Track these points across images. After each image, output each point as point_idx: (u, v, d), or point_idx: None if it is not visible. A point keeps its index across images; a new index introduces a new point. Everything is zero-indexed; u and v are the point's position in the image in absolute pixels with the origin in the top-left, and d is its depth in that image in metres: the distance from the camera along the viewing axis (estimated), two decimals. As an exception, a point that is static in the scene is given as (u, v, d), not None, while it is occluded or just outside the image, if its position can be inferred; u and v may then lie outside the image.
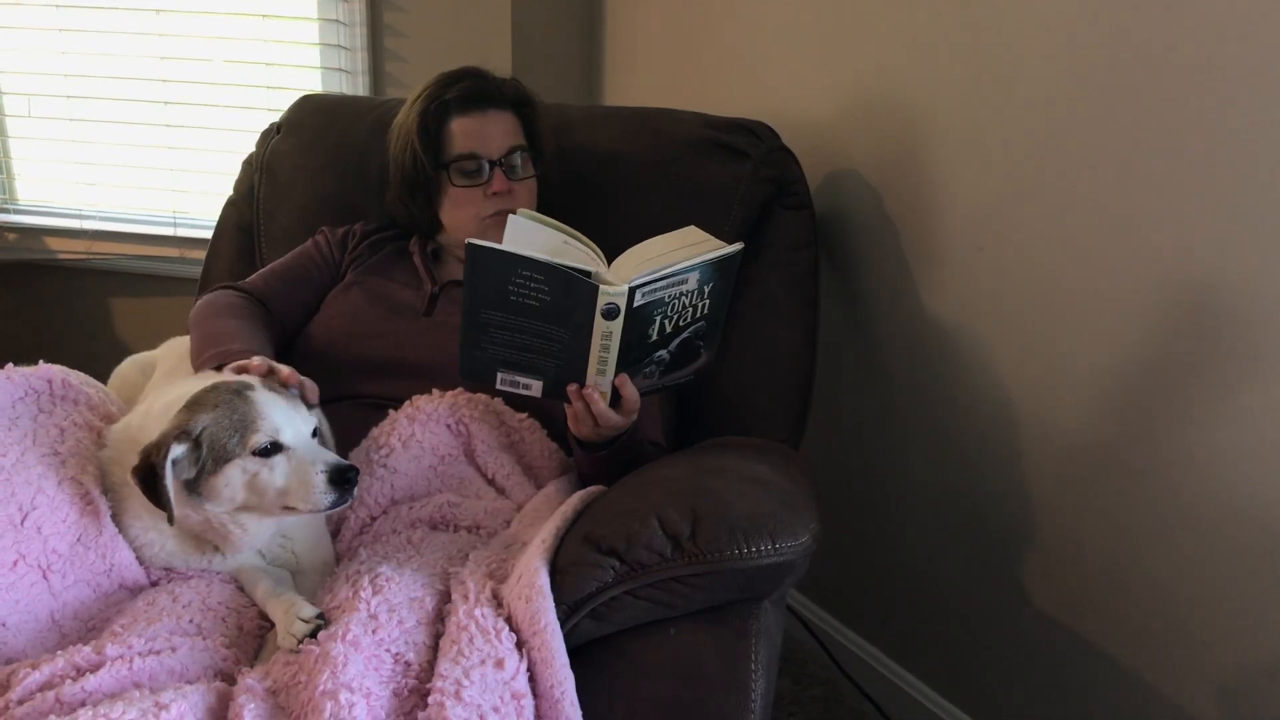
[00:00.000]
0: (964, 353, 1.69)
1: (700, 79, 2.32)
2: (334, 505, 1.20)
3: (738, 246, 1.33)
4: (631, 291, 1.25)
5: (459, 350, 1.34)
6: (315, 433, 1.24)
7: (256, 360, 1.33)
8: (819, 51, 1.94)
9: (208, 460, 1.16)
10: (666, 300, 1.30)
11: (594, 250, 1.34)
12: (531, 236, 1.31)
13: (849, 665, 2.06)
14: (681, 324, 1.34)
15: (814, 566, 1.22)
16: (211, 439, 1.16)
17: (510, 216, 1.31)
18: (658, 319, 1.31)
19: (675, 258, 1.29)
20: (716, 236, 1.69)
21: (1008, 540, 1.67)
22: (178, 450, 1.14)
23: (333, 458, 1.21)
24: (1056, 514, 1.58)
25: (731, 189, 1.79)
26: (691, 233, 1.37)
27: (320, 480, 1.18)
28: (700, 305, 1.34)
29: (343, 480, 1.19)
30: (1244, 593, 1.32)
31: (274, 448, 1.18)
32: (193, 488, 1.17)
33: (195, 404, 1.19)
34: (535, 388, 1.36)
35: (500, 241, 1.63)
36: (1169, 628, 1.42)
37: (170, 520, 1.15)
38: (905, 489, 1.89)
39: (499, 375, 1.36)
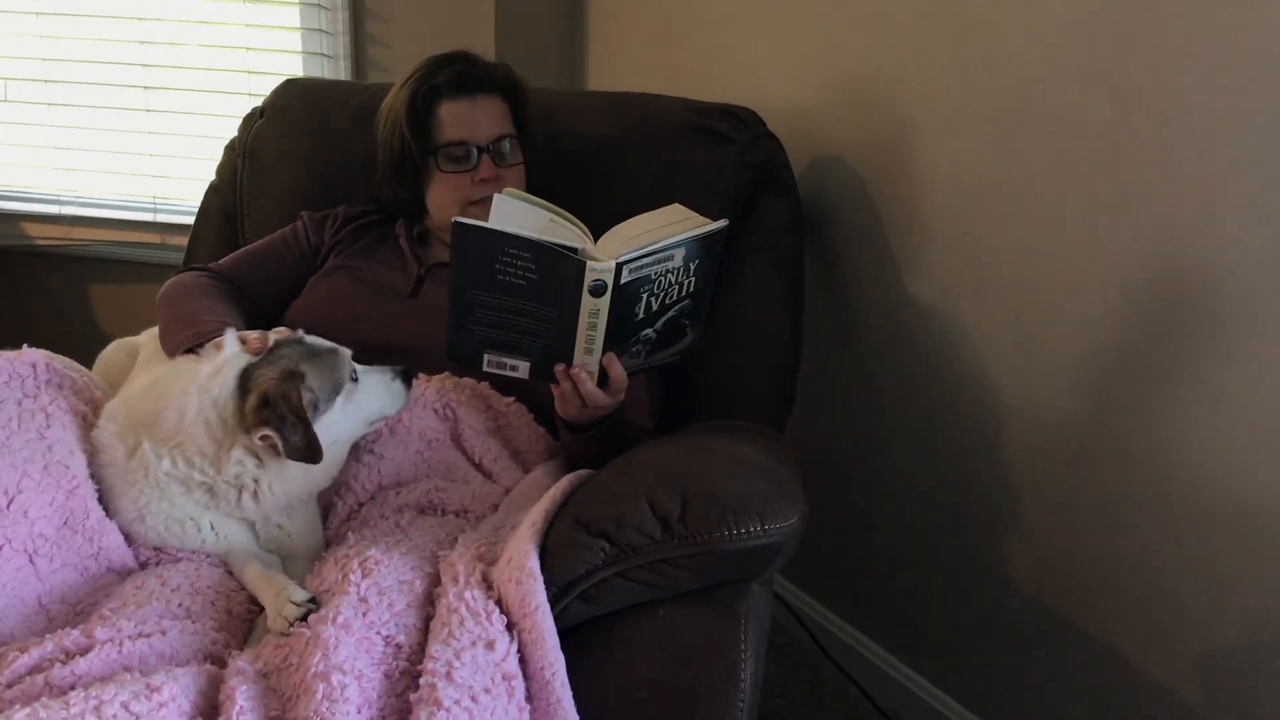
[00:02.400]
0: (948, 337, 1.70)
1: (684, 64, 2.32)
2: (407, 401, 1.37)
3: (722, 223, 1.33)
4: (618, 268, 1.25)
5: (446, 332, 1.34)
6: None
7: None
8: (803, 37, 1.94)
9: (323, 398, 1.24)
10: (653, 278, 1.30)
11: (580, 228, 1.34)
12: (517, 215, 1.30)
13: (833, 649, 2.07)
14: (668, 302, 1.35)
15: (798, 550, 1.22)
16: (319, 377, 1.24)
17: (496, 196, 1.31)
18: (644, 297, 1.31)
19: (661, 234, 1.29)
20: (702, 220, 1.68)
21: (991, 523, 1.68)
22: (309, 395, 1.21)
23: (391, 367, 1.36)
24: (1040, 497, 1.59)
25: (716, 174, 1.78)
26: (676, 210, 1.37)
27: (399, 385, 1.35)
28: (686, 283, 1.34)
29: (408, 379, 1.36)
30: (1223, 571, 1.33)
31: (355, 374, 1.30)
32: None
33: (268, 359, 1.24)
34: (522, 369, 1.36)
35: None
36: (1151, 607, 1.44)
37: (319, 458, 1.20)
38: (889, 472, 1.90)
39: (486, 356, 1.35)
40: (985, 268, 1.61)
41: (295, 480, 1.25)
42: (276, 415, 1.17)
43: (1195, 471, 1.34)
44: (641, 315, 1.34)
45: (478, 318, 1.31)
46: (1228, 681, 1.36)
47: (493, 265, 1.25)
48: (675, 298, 1.35)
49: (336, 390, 1.26)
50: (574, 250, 1.25)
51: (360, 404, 1.30)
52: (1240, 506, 1.30)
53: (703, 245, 1.32)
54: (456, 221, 1.24)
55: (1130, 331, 1.40)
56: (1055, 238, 1.48)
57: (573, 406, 1.37)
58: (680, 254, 1.30)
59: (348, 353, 1.31)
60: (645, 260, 1.27)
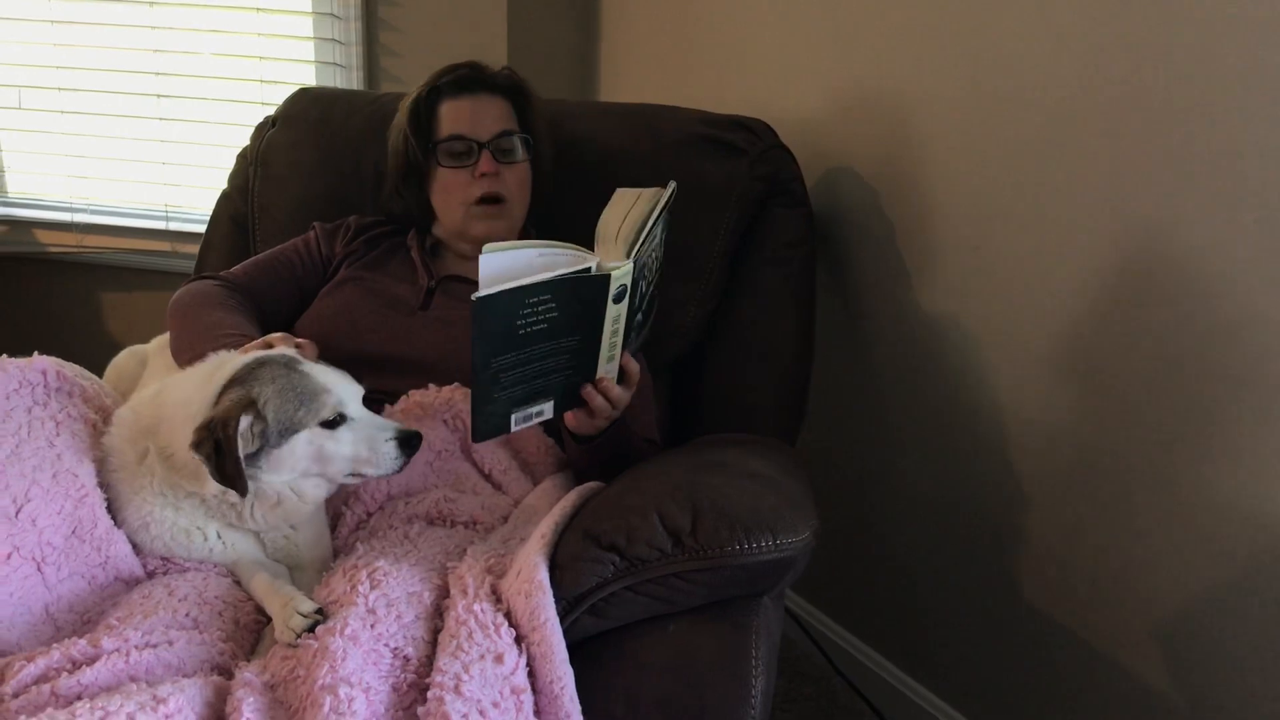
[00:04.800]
0: (958, 350, 1.69)
1: (696, 76, 2.32)
2: (400, 469, 1.26)
3: (672, 185, 1.33)
4: (635, 265, 1.25)
5: (470, 419, 1.26)
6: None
7: (276, 336, 1.36)
8: (815, 49, 1.94)
9: (273, 433, 1.18)
10: (649, 262, 1.31)
11: (573, 247, 1.31)
12: (509, 264, 1.22)
13: (843, 663, 2.06)
14: (650, 278, 1.35)
15: (808, 564, 1.21)
16: (277, 411, 1.18)
17: (481, 258, 1.18)
18: (640, 284, 1.31)
19: (638, 219, 1.28)
20: (713, 234, 1.67)
21: (1001, 538, 1.67)
22: (245, 423, 1.16)
23: (398, 425, 1.26)
24: (1050, 512, 1.58)
25: (728, 186, 1.78)
26: (627, 194, 1.34)
27: (391, 448, 1.24)
28: (660, 254, 1.36)
29: (410, 446, 1.25)
30: (1230, 585, 1.32)
31: (340, 419, 1.22)
32: (252, 460, 1.18)
33: (246, 379, 1.19)
34: (548, 409, 1.32)
35: (487, 230, 1.62)
36: (1161, 624, 1.43)
37: (243, 492, 1.16)
38: (899, 486, 1.89)
39: (513, 417, 1.30)
40: (996, 280, 1.60)
41: (269, 503, 1.23)
42: (212, 439, 1.14)
43: (1203, 485, 1.33)
44: (639, 302, 1.34)
45: (501, 383, 1.24)
46: (1234, 699, 1.34)
47: (514, 322, 1.19)
48: (653, 272, 1.36)
49: (293, 430, 1.19)
50: (588, 270, 1.23)
51: (327, 452, 1.22)
52: (1248, 519, 1.29)
53: (669, 213, 1.33)
54: (476, 298, 1.15)
55: (1141, 345, 1.39)
56: (1067, 251, 1.47)
57: (603, 416, 1.36)
58: (659, 229, 1.30)
59: (349, 394, 1.24)
60: (643, 248, 1.27)
